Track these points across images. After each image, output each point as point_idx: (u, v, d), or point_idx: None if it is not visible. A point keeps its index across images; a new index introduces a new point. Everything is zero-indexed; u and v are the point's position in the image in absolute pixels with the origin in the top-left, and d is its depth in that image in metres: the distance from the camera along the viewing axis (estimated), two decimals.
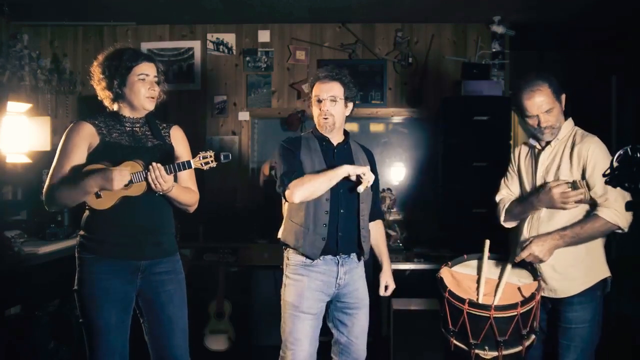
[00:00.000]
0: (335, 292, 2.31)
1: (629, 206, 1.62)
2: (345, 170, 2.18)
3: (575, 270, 2.10)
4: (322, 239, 2.24)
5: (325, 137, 2.36)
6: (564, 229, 2.06)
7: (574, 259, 2.10)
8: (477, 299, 2.03)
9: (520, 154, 2.34)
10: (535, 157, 2.25)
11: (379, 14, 4.14)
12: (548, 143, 2.18)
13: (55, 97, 4.38)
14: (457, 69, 4.32)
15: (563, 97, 2.15)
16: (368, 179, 2.17)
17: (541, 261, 2.06)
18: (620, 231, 2.03)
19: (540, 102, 2.07)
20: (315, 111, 2.35)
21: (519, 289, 2.04)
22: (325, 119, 2.29)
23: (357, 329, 2.35)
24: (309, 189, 2.17)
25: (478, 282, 2.11)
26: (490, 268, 2.15)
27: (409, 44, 4.38)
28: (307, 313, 2.25)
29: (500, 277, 2.10)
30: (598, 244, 2.13)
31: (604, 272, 2.13)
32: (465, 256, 2.25)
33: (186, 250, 3.94)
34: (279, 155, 2.34)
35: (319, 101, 2.30)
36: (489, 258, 2.18)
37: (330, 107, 2.28)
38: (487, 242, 2.16)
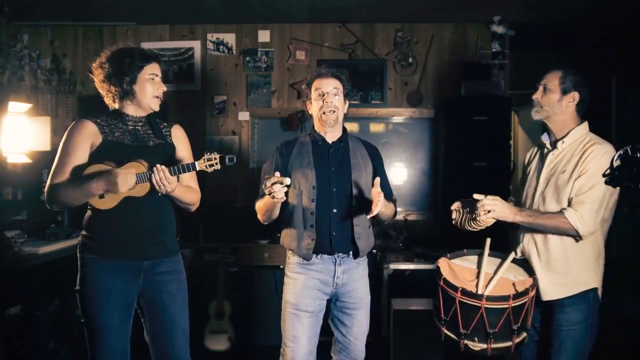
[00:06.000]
0: (333, 291, 2.31)
1: (628, 206, 1.62)
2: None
3: (560, 277, 2.09)
4: (312, 239, 2.25)
5: (321, 137, 2.35)
6: (524, 209, 2.10)
7: (560, 265, 2.09)
8: (476, 290, 2.02)
9: (533, 155, 2.37)
10: (543, 157, 2.25)
11: (379, 14, 4.14)
12: (555, 145, 2.18)
13: (55, 97, 4.38)
14: (457, 69, 4.32)
15: (571, 94, 2.15)
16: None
17: (476, 219, 2.00)
18: (578, 237, 2.03)
19: (547, 78, 2.19)
20: (316, 106, 2.32)
21: (513, 284, 2.04)
22: (332, 111, 2.28)
23: (356, 330, 2.35)
24: (262, 214, 2.31)
25: (477, 276, 2.11)
26: (488, 264, 2.16)
27: (409, 44, 4.38)
28: (305, 311, 2.26)
29: (495, 272, 2.11)
30: (588, 253, 2.09)
31: (592, 282, 2.09)
32: (465, 250, 2.25)
33: (186, 250, 3.93)
34: (268, 163, 2.41)
35: (322, 95, 2.29)
36: (489, 255, 2.18)
37: (334, 99, 2.29)
38: (488, 240, 2.17)
